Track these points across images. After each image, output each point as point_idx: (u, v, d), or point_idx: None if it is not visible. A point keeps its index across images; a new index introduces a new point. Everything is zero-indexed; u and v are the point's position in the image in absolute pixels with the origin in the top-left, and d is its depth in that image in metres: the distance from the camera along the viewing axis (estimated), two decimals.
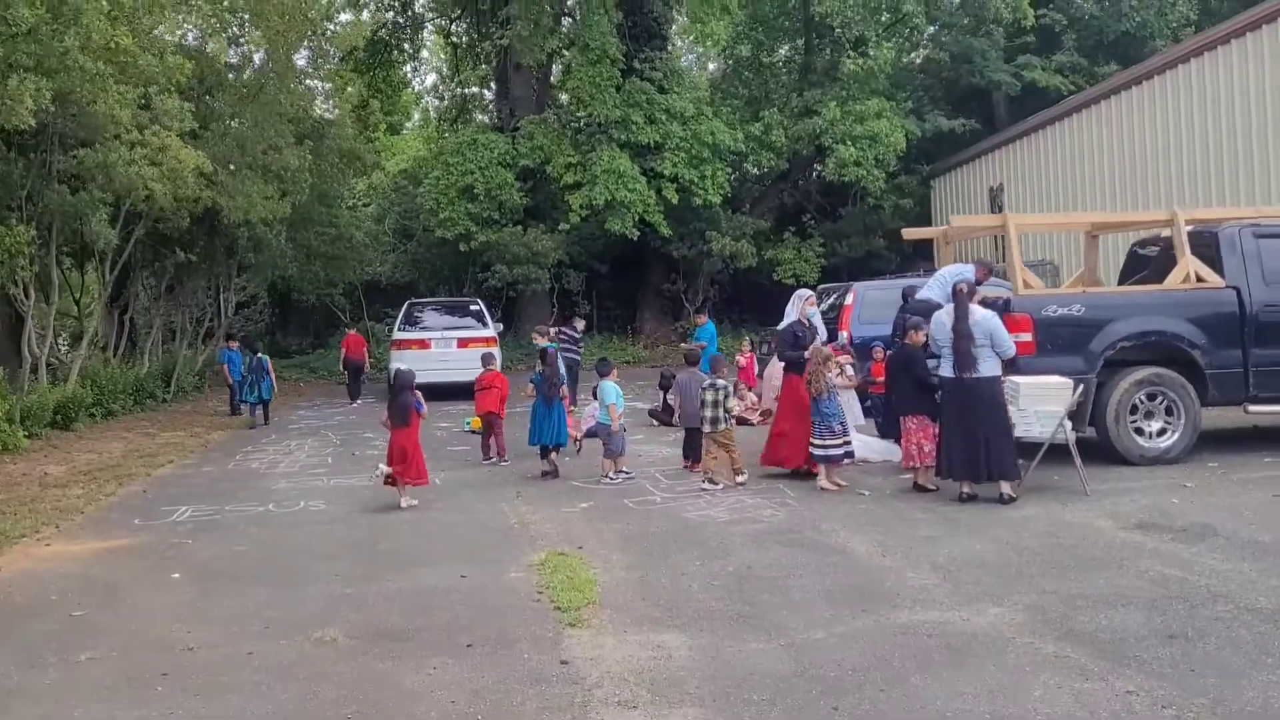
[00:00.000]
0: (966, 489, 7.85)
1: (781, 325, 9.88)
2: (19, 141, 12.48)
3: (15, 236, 11.49)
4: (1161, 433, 8.85)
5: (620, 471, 9.70)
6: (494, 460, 11.35)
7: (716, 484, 9.05)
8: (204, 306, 21.56)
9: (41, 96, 9.76)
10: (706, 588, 5.93)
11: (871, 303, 13.92)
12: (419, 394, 9.19)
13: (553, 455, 10.20)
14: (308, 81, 19.30)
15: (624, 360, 25.07)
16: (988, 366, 7.77)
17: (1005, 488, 7.70)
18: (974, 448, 7.68)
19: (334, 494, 9.65)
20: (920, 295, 10.13)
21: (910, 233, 12.07)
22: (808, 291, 10.05)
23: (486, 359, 12.17)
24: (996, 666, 4.35)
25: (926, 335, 8.37)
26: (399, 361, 18.90)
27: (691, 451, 10.47)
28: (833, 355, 9.24)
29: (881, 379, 10.35)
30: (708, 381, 9.44)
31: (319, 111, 21.28)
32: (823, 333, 10.31)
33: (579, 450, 11.53)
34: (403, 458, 8.79)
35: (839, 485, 8.74)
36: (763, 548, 6.83)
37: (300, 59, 19.00)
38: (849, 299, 14.05)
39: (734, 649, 4.82)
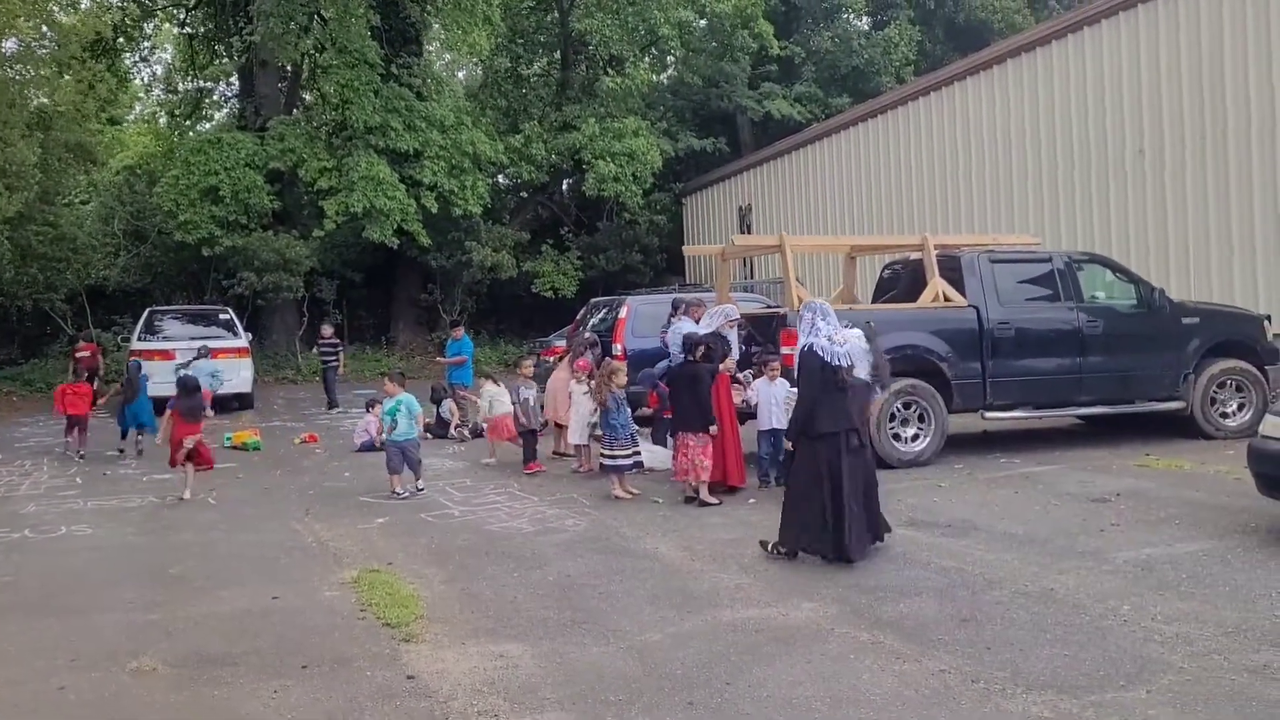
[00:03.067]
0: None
1: (685, 331, 9.68)
2: None
3: None
4: (915, 438, 9.85)
5: (407, 487, 9.60)
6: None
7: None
8: None
9: None
10: (532, 597, 6.08)
11: (645, 316, 14.46)
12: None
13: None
14: (27, 71, 17.61)
15: (379, 372, 24.50)
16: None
17: None
18: None
19: (97, 517, 8.97)
20: (679, 327, 10.38)
21: (690, 250, 12.82)
22: (732, 310, 10.10)
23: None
24: (823, 655, 4.80)
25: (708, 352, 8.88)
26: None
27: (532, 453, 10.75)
28: (621, 369, 9.61)
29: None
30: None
31: (41, 101, 19.44)
32: (735, 351, 9.89)
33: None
34: (193, 453, 9.71)
35: (631, 493, 9.10)
36: (576, 556, 7.05)
37: (10, 45, 17.32)
38: (623, 312, 14.52)
39: (577, 654, 5.02)
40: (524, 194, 30.97)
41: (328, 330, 18.95)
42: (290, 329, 26.00)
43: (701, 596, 5.91)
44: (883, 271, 11.93)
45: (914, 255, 11.13)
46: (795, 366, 7.27)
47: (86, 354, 17.86)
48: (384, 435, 9.78)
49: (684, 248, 13.78)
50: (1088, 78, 15.31)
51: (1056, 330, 10.34)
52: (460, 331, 15.98)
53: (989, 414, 10.21)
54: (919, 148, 18.82)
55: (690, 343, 9.03)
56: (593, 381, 10.61)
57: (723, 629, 5.27)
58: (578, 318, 16.41)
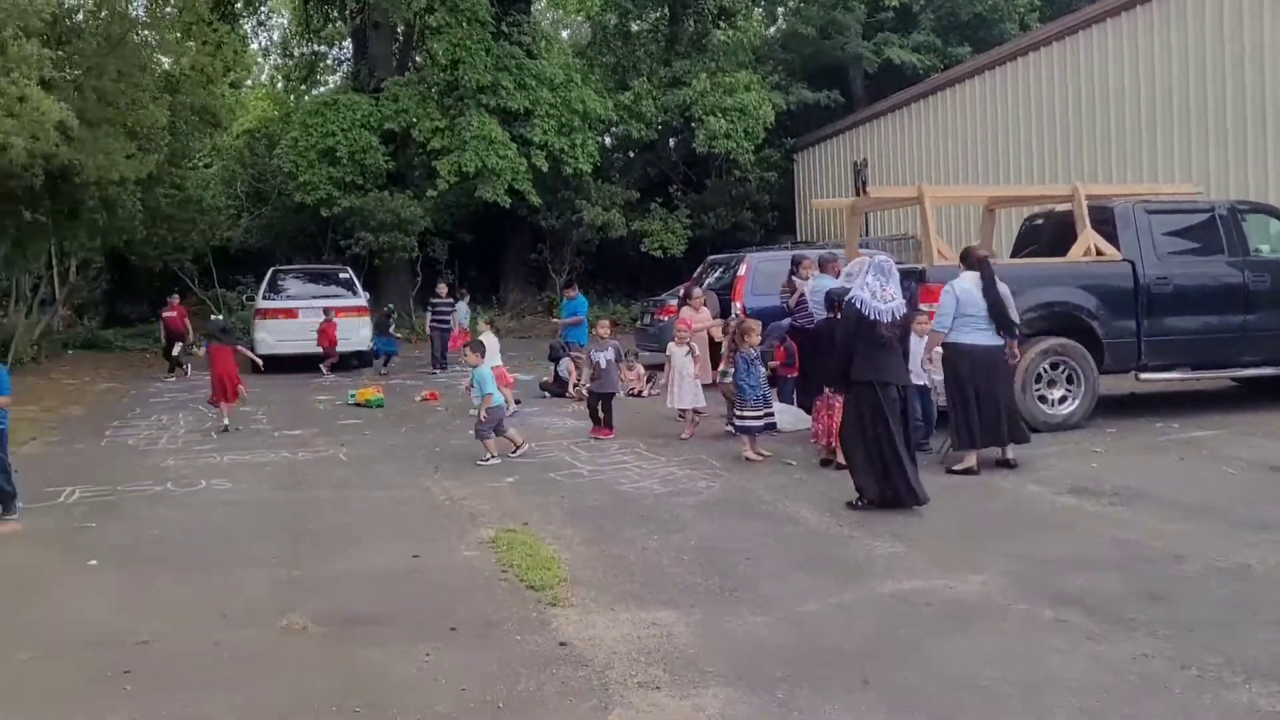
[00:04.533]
0: (1010, 453, 7.92)
1: (827, 287, 9.16)
2: None
3: None
4: (1062, 400, 9.31)
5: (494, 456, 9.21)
6: None
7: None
8: (39, 272, 19.96)
9: None
10: (675, 561, 5.87)
11: (765, 274, 14.10)
12: None
13: None
14: (157, 35, 17.95)
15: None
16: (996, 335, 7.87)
17: (1011, 452, 7.92)
18: (999, 414, 7.78)
19: (234, 471, 9.09)
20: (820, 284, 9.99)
21: (820, 203, 12.35)
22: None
23: None
24: (1004, 633, 4.47)
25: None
26: (263, 331, 18.03)
27: (598, 418, 10.40)
28: (755, 327, 9.29)
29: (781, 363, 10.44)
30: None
31: (167, 64, 19.86)
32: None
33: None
34: (231, 387, 11.21)
35: (763, 455, 8.82)
36: (714, 519, 6.82)
37: (138, 8, 17.67)
38: (742, 269, 14.18)
39: (733, 623, 4.79)
40: (631, 153, 30.67)
41: (443, 289, 18.98)
42: (404, 289, 26.30)
43: (856, 565, 5.62)
44: (1024, 224, 11.30)
45: (1059, 207, 10.49)
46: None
47: (173, 314, 18.07)
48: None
49: (813, 201, 13.32)
50: (1244, 15, 14.15)
51: (1219, 285, 9.64)
52: (574, 291, 15.82)
53: (1144, 375, 9.59)
54: (1050, 97, 17.85)
55: (833, 298, 8.64)
56: (693, 342, 10.34)
57: (886, 601, 4.97)
58: (694, 276, 16.10)
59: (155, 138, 15.97)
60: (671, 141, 29.88)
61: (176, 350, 17.76)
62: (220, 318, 11.97)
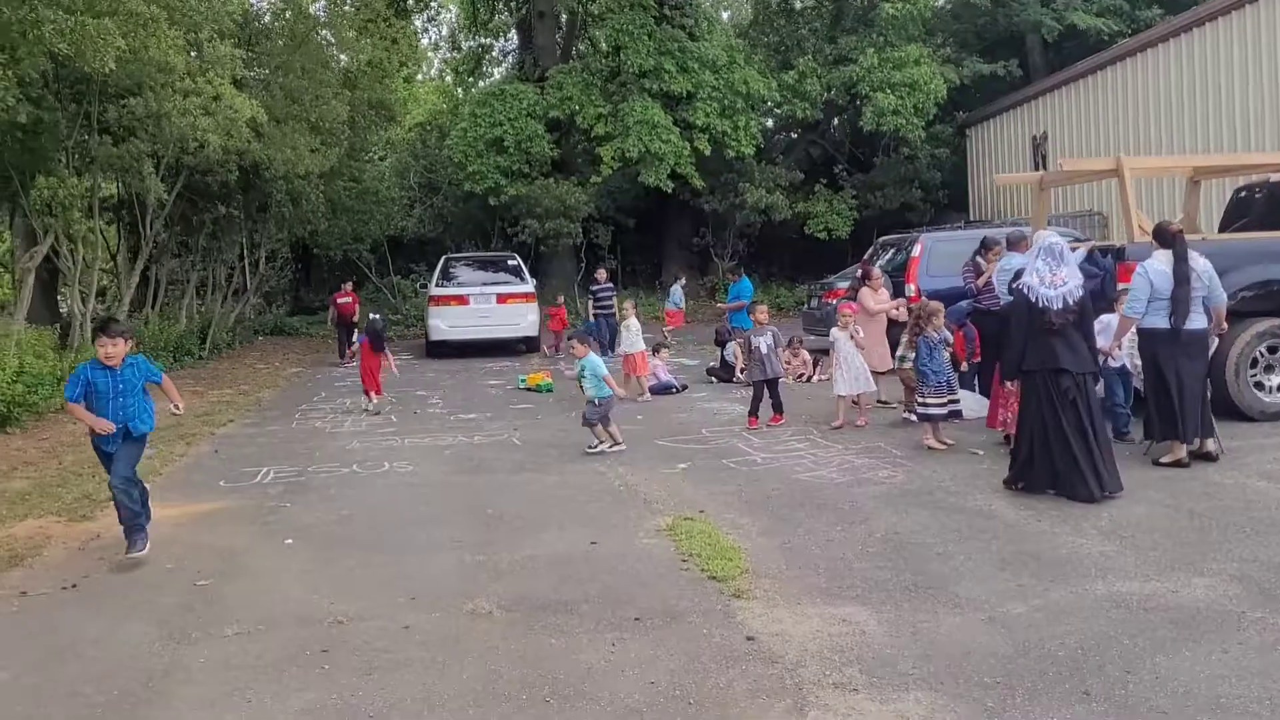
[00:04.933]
0: (1213, 445, 7.38)
1: (1017, 266, 8.92)
2: (66, 91, 11.97)
3: (69, 188, 11.04)
4: None
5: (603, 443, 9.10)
6: None
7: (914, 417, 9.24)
8: (233, 263, 21.15)
9: (115, 40, 9.25)
10: (861, 554, 5.63)
11: (940, 254, 13.54)
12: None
13: None
14: (337, 33, 18.69)
15: (652, 316, 24.67)
16: (1202, 318, 7.30)
17: (1213, 444, 7.37)
18: (1199, 404, 7.24)
19: (415, 454, 9.34)
20: (1009, 262, 9.53)
21: (1004, 178, 11.75)
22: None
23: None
24: (1242, 646, 4.05)
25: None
26: (438, 318, 18.58)
27: (757, 407, 10.17)
28: (941, 309, 8.87)
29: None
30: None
31: (346, 61, 20.66)
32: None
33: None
34: (374, 382, 12.10)
35: (946, 444, 8.43)
36: (899, 511, 6.53)
37: (317, 7, 18.41)
38: (916, 250, 13.65)
39: (930, 624, 4.53)
40: (793, 134, 30.13)
41: (602, 275, 19.02)
42: (568, 275, 26.68)
43: (1061, 564, 5.24)
44: (1233, 196, 10.41)
45: (1276, 177, 9.60)
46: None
47: (348, 300, 18.54)
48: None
49: (996, 177, 12.60)
50: None
51: None
52: (740, 275, 15.60)
53: None
54: (1258, 57, 16.43)
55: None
56: (858, 329, 9.94)
57: (1100, 605, 4.60)
58: (865, 257, 15.61)
59: (336, 132, 16.65)
60: (834, 121, 29.20)
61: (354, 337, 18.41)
62: (378, 317, 13.08)
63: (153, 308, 16.75)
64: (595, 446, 9.02)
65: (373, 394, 12.18)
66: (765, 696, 3.88)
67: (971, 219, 23.97)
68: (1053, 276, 6.62)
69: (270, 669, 4.34)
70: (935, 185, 26.84)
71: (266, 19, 15.73)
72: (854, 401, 9.84)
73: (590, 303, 19.42)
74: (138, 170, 12.35)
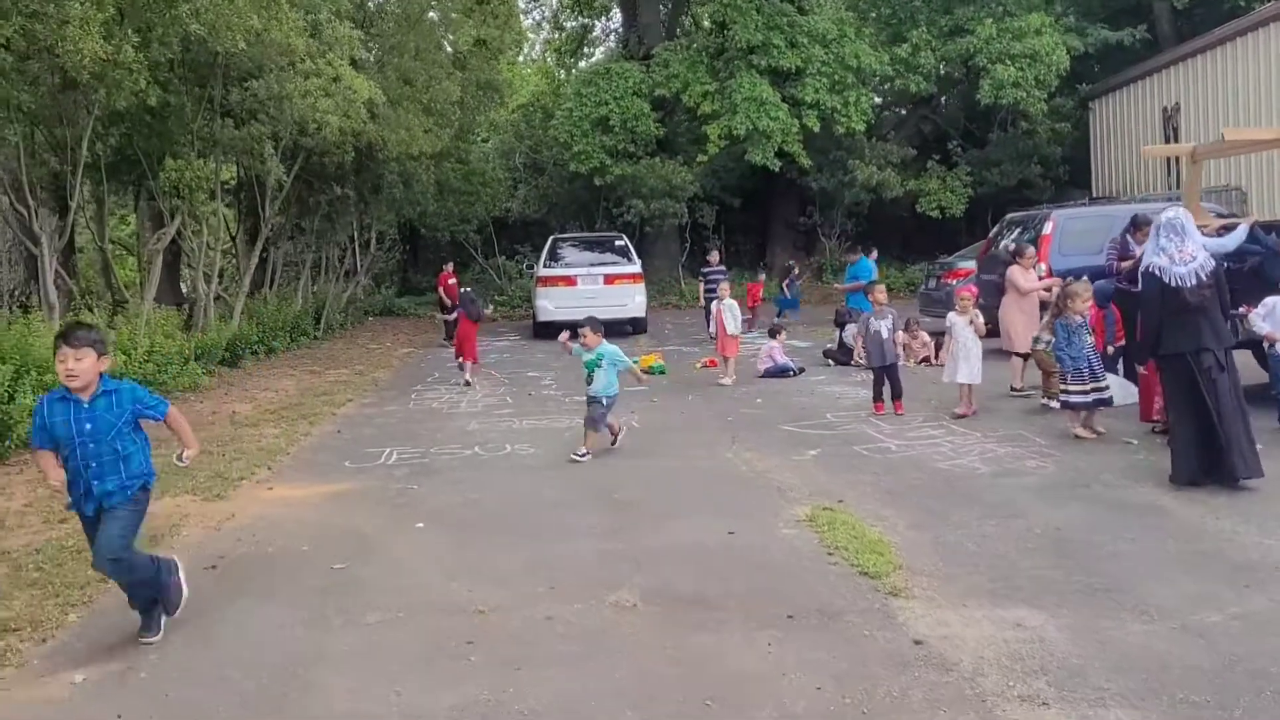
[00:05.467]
0: None
1: None
2: (191, 75, 12.18)
3: (195, 170, 11.23)
4: None
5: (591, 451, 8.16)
6: None
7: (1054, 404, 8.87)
8: (344, 244, 21.46)
9: (249, 19, 9.35)
10: (1022, 552, 5.27)
11: (1073, 233, 12.89)
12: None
13: None
14: (445, 14, 18.71)
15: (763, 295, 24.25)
16: None
17: None
18: None
19: (534, 436, 9.23)
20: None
21: (1152, 150, 11.02)
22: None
23: None
24: None
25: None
26: (545, 299, 18.53)
27: (881, 393, 9.77)
28: (1084, 291, 8.35)
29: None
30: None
31: (453, 38, 20.68)
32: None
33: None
34: (470, 349, 12.67)
35: (1098, 432, 7.94)
36: (1055, 505, 6.13)
37: None
38: (1047, 228, 12.99)
39: (1115, 631, 4.17)
40: (902, 110, 29.27)
41: (714, 257, 18.68)
42: (673, 256, 26.44)
43: (1253, 568, 4.81)
44: None
45: None
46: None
47: (454, 281, 18.53)
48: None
49: (1144, 149, 11.94)
50: None
51: None
52: (858, 254, 15.11)
53: None
54: None
55: None
56: (976, 314, 9.37)
57: None
58: (989, 236, 15.00)
59: (447, 113, 16.68)
60: (944, 99, 28.23)
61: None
62: (469, 290, 14.38)
63: (270, 288, 17.07)
64: (584, 455, 7.96)
65: (467, 362, 12.65)
66: (945, 708, 3.59)
67: (1096, 196, 22.93)
68: (1180, 253, 6.37)
69: (417, 661, 4.21)
70: (1055, 161, 25.75)
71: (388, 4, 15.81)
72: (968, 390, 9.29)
73: (701, 285, 19.09)
74: (259, 152, 12.52)
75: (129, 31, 9.07)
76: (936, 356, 13.15)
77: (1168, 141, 22.20)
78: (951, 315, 9.53)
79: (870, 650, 4.12)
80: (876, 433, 8.69)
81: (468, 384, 12.47)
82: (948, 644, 4.14)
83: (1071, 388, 8.07)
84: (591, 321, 8.30)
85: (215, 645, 4.48)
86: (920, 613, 4.51)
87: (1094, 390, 8.06)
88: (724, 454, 8.15)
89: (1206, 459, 6.26)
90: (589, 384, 8.14)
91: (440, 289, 18.36)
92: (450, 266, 19.20)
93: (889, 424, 9.00)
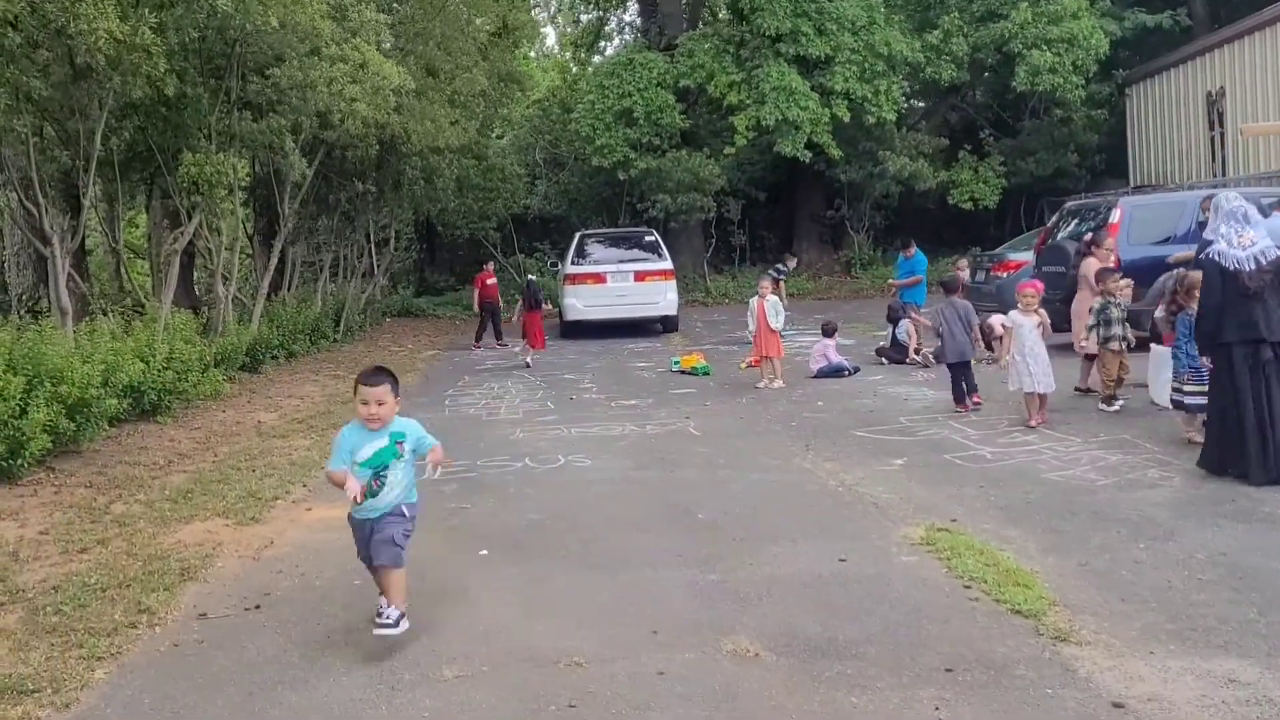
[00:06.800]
0: None
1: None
2: (207, 67, 11.48)
3: (215, 165, 10.53)
4: None
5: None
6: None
7: (1113, 406, 8.59)
8: (362, 243, 20.75)
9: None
10: (1193, 583, 4.56)
11: (1142, 221, 12.17)
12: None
13: None
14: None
15: (789, 292, 23.52)
16: None
17: None
18: None
19: (587, 445, 8.52)
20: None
21: (1251, 129, 10.17)
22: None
23: None
24: None
25: None
26: (574, 297, 17.82)
27: (962, 391, 9.10)
28: (1199, 284, 7.61)
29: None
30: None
31: (479, 25, 19.89)
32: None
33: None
34: (535, 332, 14.01)
35: None
36: (1206, 524, 5.41)
37: None
38: (1115, 216, 12.25)
39: None
40: (932, 100, 28.46)
41: (792, 263, 17.50)
42: (697, 251, 25.71)
43: None
44: None
45: None
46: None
47: (493, 282, 17.44)
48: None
49: (1242, 127, 11.16)
50: None
51: None
52: (913, 249, 14.40)
53: None
54: None
55: None
56: (1042, 313, 8.56)
57: None
58: (1048, 226, 14.26)
59: (471, 105, 15.96)
60: (975, 89, 27.41)
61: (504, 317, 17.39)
62: (533, 277, 15.00)
63: (289, 289, 16.38)
64: (387, 624, 4.26)
65: (531, 348, 14.00)
66: None
67: (1141, 184, 22.15)
68: (1240, 239, 6.24)
69: None
70: (1091, 150, 24.97)
71: None
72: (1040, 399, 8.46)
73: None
74: (280, 146, 11.82)
75: (145, 11, 8.38)
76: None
77: (1212, 127, 21.43)
78: (1015, 314, 8.60)
79: (1063, 717, 3.40)
80: (963, 439, 7.98)
81: (527, 365, 13.76)
82: (1156, 708, 3.42)
83: (1188, 388, 7.33)
84: (382, 378, 4.42)
85: (274, 709, 3.78)
86: (1103, 664, 3.79)
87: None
88: (800, 464, 7.45)
89: (1238, 452, 6.18)
90: (372, 495, 4.33)
91: (477, 289, 17.43)
92: (491, 266, 18.36)
93: (974, 429, 8.28)
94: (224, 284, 13.30)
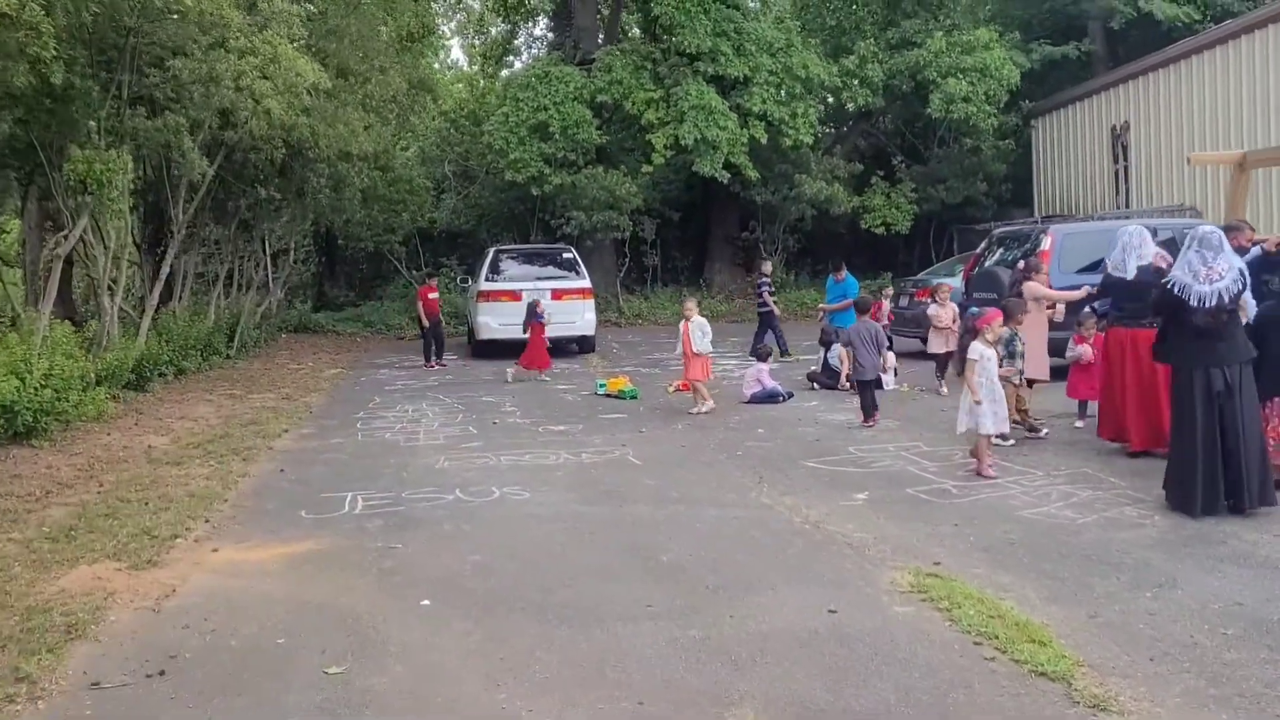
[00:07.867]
0: None
1: (1125, 272, 7.90)
2: (98, 57, 10.46)
3: (105, 163, 9.53)
4: None
5: None
6: None
7: (1039, 432, 8.55)
8: (259, 254, 19.59)
9: None
10: (1218, 638, 4.20)
11: (1074, 250, 12.12)
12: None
13: None
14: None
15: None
16: None
17: None
18: None
19: (521, 476, 7.87)
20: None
21: (1200, 158, 10.19)
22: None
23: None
24: None
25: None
26: (488, 315, 17.07)
27: (868, 408, 9.39)
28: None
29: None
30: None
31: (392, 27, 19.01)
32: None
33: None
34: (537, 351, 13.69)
35: None
36: (1207, 568, 5.09)
37: None
38: (1045, 244, 12.17)
39: None
40: (843, 126, 28.62)
41: (767, 267, 16.87)
42: (609, 270, 25.16)
43: None
44: None
45: None
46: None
47: (436, 296, 16.90)
48: None
49: (1190, 155, 11.12)
50: None
51: None
52: (843, 272, 14.09)
53: None
54: None
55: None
56: (997, 345, 8.12)
57: None
58: (976, 253, 14.17)
59: (384, 110, 15.14)
60: (886, 111, 27.68)
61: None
62: (535, 300, 14.67)
63: (179, 301, 15.23)
64: None
65: (524, 368, 13.80)
66: None
67: (1050, 214, 22.55)
68: (1208, 270, 6.00)
69: None
70: (999, 179, 25.39)
71: None
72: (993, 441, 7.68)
73: (755, 296, 17.15)
74: (177, 145, 10.86)
75: None
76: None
77: (1116, 160, 21.95)
78: (977, 345, 7.70)
79: None
80: (920, 470, 7.61)
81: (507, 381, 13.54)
82: None
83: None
84: None
85: None
86: None
87: None
88: (758, 498, 6.97)
89: (1215, 486, 6.00)
90: None
91: (420, 304, 16.49)
92: (434, 280, 17.43)
93: (933, 462, 7.91)
94: (109, 294, 12.20)
